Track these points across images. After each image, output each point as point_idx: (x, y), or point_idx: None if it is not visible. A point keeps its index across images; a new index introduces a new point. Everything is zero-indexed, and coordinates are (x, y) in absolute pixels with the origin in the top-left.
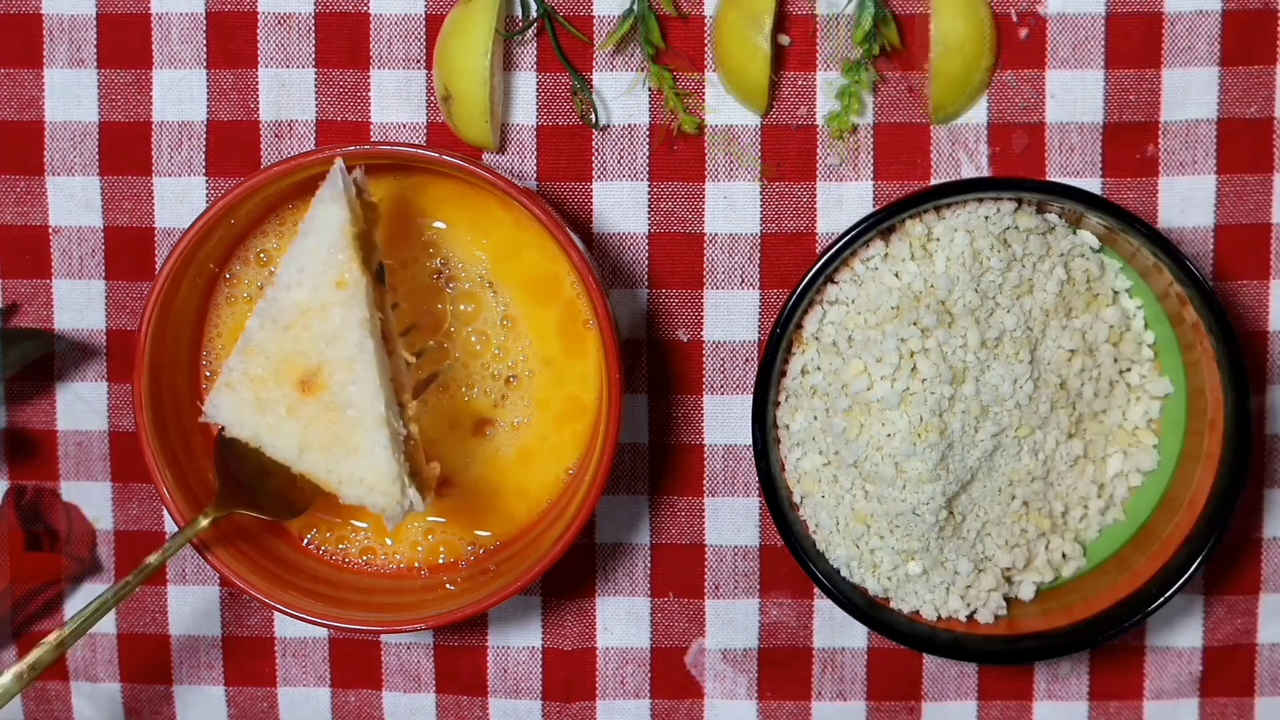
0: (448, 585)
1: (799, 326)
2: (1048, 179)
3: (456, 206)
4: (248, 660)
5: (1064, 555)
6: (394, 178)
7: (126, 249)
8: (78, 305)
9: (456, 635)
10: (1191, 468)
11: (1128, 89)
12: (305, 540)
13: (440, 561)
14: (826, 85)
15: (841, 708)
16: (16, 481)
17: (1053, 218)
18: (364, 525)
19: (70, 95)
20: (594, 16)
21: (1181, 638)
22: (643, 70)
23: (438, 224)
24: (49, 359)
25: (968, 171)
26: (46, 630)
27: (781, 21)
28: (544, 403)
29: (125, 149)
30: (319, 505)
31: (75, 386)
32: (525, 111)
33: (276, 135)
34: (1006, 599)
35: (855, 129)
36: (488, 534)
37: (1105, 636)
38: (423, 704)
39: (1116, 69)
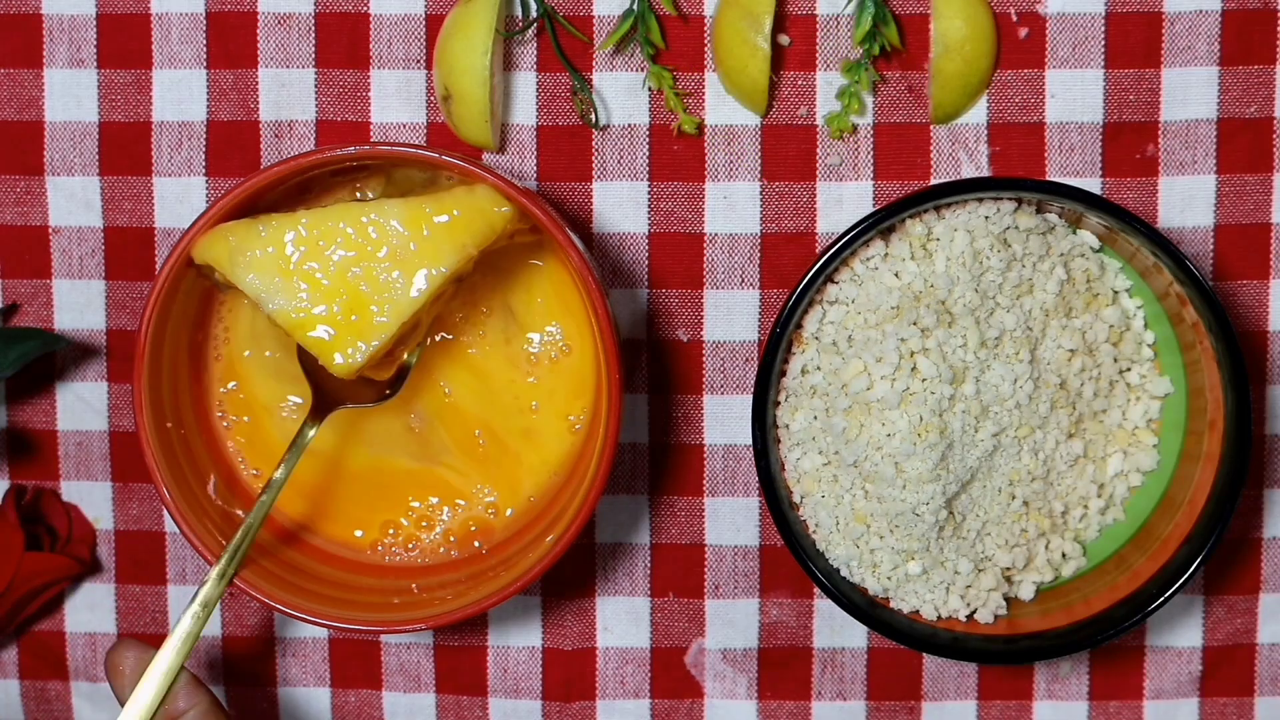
0: (447, 587)
1: (799, 326)
2: (1048, 179)
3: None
4: (248, 660)
5: (1064, 555)
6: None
7: (126, 249)
8: (78, 305)
9: (456, 635)
10: (1191, 468)
11: (1127, 89)
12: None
13: (439, 559)
14: (826, 85)
15: (841, 707)
16: (16, 481)
17: (1053, 218)
18: (360, 534)
19: (70, 95)
20: (594, 16)
21: (1181, 638)
22: (643, 70)
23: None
24: (49, 359)
25: (968, 171)
26: (46, 631)
27: (781, 21)
28: (549, 461)
29: (125, 149)
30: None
31: (75, 386)
32: (525, 111)
33: (276, 135)
34: (1006, 599)
35: (855, 129)
36: (491, 497)
37: (1105, 636)
38: (423, 704)
39: (1116, 69)
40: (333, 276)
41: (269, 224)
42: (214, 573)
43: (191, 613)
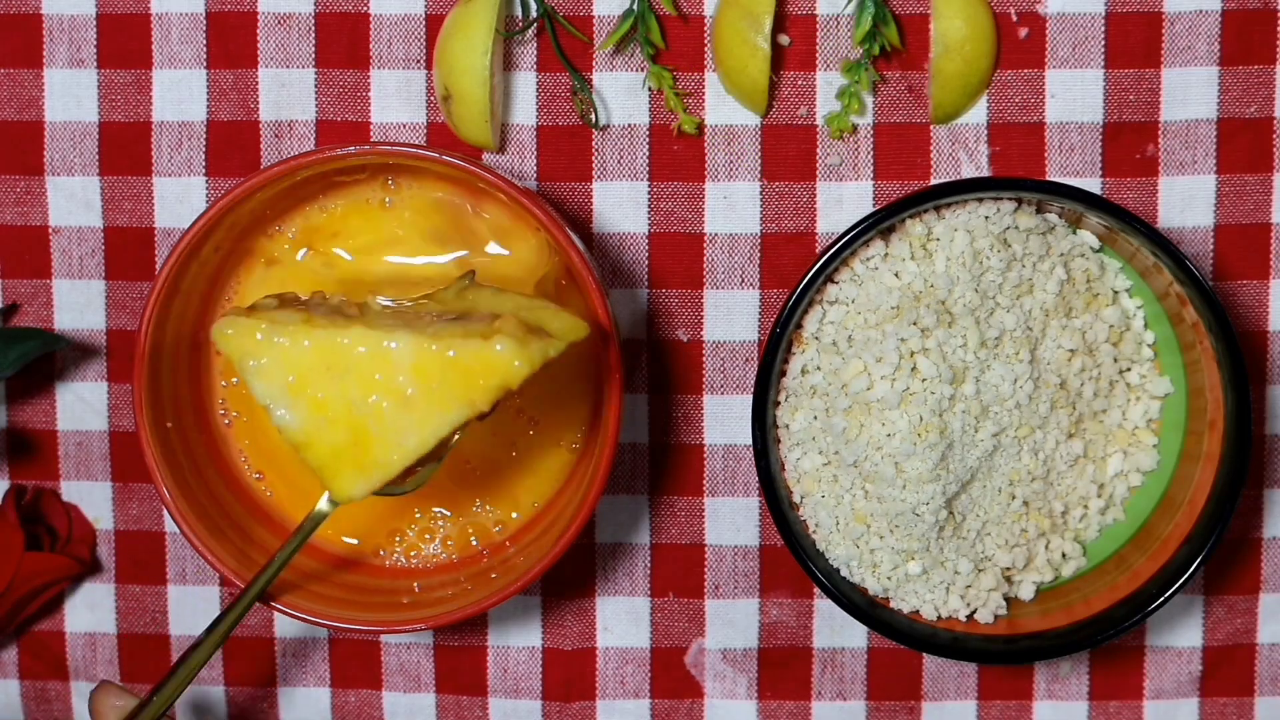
0: (448, 587)
1: (799, 326)
2: (1048, 179)
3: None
4: (248, 660)
5: (1064, 555)
6: (388, 180)
7: (126, 249)
8: (78, 305)
9: (456, 635)
10: (1191, 468)
11: (1127, 89)
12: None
13: (440, 561)
14: (826, 85)
15: (841, 707)
16: (16, 481)
17: (1053, 218)
18: (354, 542)
19: (70, 95)
20: (594, 16)
21: (1181, 638)
22: (643, 70)
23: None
24: (49, 359)
25: (968, 171)
26: (46, 631)
27: (781, 21)
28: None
29: (125, 149)
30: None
31: (75, 386)
32: (525, 111)
33: (276, 135)
34: (1006, 599)
35: (855, 129)
36: (492, 513)
37: (1105, 636)
38: (423, 704)
39: (1116, 69)
40: (339, 407)
41: (285, 331)
42: (201, 642)
43: (177, 678)
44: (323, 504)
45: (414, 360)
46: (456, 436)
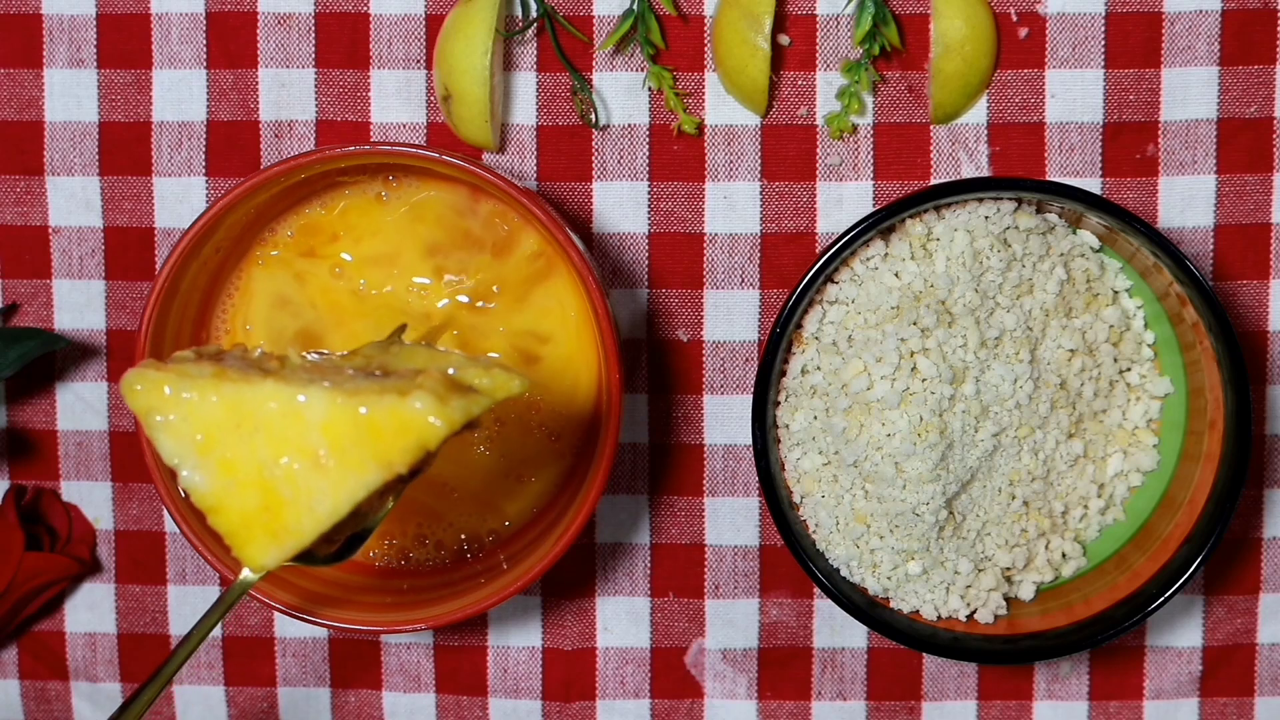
0: (442, 588)
1: (799, 326)
2: (1048, 179)
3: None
4: (248, 660)
5: (1064, 555)
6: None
7: (126, 249)
8: (78, 305)
9: (456, 635)
10: (1191, 467)
11: (1127, 89)
12: None
13: (437, 562)
14: (826, 85)
15: (841, 707)
16: (16, 481)
17: (1053, 218)
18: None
19: (70, 95)
20: (594, 16)
21: (1181, 638)
22: (643, 70)
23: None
24: (49, 359)
25: (968, 171)
26: (47, 631)
27: (781, 21)
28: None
29: (125, 149)
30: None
31: (75, 386)
32: (525, 111)
33: (276, 135)
34: (1006, 599)
35: (855, 129)
36: (487, 531)
37: (1105, 636)
38: (423, 704)
39: (1116, 69)
40: (249, 468)
41: (193, 386)
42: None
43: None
44: (246, 572)
45: (325, 417)
46: (390, 503)
